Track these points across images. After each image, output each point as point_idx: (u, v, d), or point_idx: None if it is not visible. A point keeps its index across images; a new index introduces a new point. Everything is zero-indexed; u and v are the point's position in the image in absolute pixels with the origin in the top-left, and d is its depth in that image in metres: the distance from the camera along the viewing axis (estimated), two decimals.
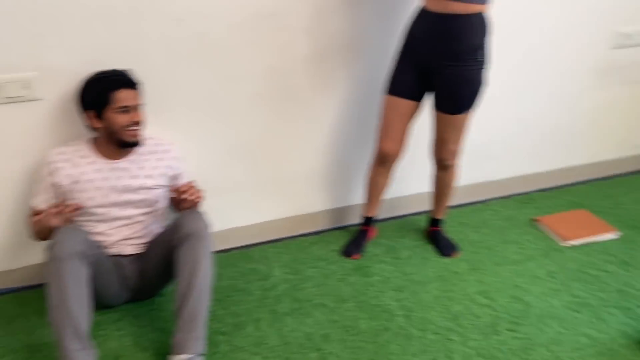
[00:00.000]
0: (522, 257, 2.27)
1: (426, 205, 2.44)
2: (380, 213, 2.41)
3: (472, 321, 1.92)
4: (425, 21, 1.85)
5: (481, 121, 2.59)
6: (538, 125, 2.69)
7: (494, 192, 2.76)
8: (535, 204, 2.68)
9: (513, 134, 2.67)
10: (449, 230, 2.46)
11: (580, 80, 2.65)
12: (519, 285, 2.10)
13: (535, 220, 2.52)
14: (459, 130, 1.98)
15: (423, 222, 2.47)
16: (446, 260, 2.25)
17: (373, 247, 2.30)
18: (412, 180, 2.52)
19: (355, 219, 2.43)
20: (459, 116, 1.94)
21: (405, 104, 1.97)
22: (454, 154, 2.05)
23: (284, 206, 2.36)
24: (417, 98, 1.98)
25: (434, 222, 2.34)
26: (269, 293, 2.02)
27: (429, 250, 2.29)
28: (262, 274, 2.12)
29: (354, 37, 2.12)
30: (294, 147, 2.25)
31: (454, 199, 2.71)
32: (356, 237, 2.29)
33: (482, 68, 1.87)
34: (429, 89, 1.96)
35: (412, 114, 2.01)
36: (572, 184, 2.86)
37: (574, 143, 2.80)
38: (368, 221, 2.28)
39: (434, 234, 2.34)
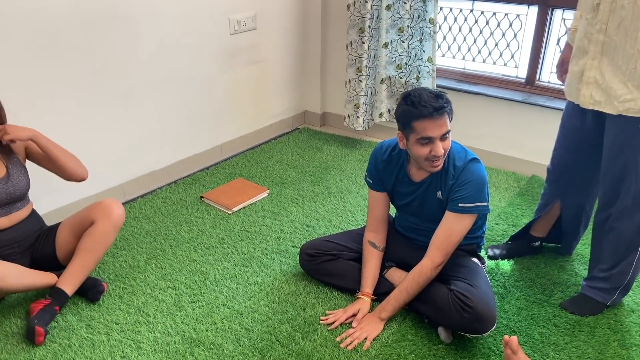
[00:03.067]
0: (195, 234, 2.44)
1: None
2: None
3: (157, 307, 1.99)
4: None
5: (130, 117, 2.63)
6: (185, 111, 2.89)
7: (161, 180, 2.86)
8: (200, 182, 2.90)
9: (164, 123, 2.80)
10: (123, 228, 2.45)
11: (212, 64, 2.94)
12: (195, 259, 2.26)
13: (202, 198, 2.73)
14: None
15: None
16: (125, 255, 2.25)
17: None
18: None
19: None
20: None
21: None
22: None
23: None
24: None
25: None
26: None
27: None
28: None
29: None
30: None
31: (124, 197, 2.70)
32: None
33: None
34: None
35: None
36: (227, 158, 3.19)
37: (221, 121, 3.11)
38: None
39: None
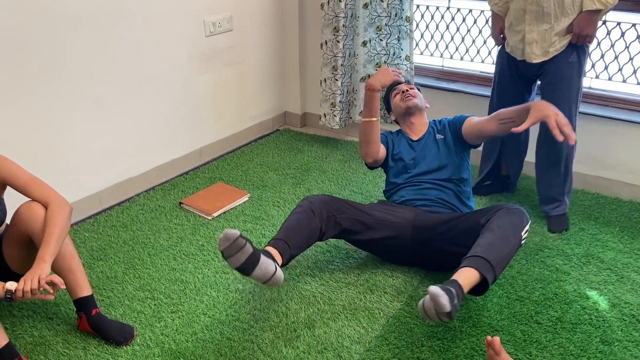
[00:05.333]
0: (174, 241, 2.40)
1: None
2: None
3: (136, 318, 1.95)
4: None
5: (104, 122, 2.58)
6: (161, 115, 2.84)
7: (138, 187, 2.81)
8: (178, 188, 2.85)
9: (140, 129, 2.75)
10: (99, 237, 2.40)
11: (188, 68, 2.89)
12: (175, 268, 2.22)
13: (181, 204, 2.69)
14: None
15: None
16: (102, 265, 2.20)
17: None
18: None
19: None
20: None
21: None
22: None
23: None
24: None
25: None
26: None
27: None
28: None
29: None
30: None
31: (99, 205, 2.65)
32: None
33: None
34: None
35: None
36: (207, 162, 3.14)
37: (199, 125, 3.07)
38: None
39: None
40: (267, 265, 1.69)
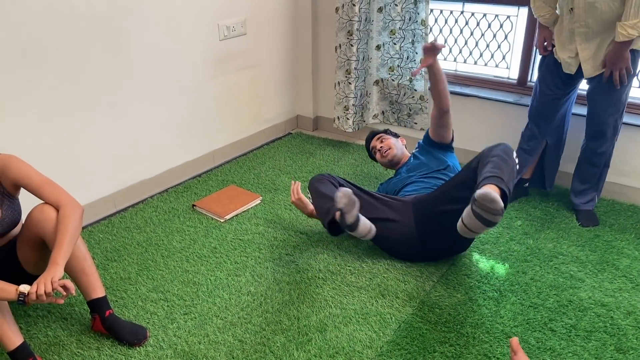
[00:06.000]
0: (187, 243, 2.41)
1: None
2: None
3: (149, 319, 1.96)
4: None
5: (120, 125, 2.60)
6: (175, 118, 2.86)
7: (152, 189, 2.83)
8: (192, 190, 2.87)
9: (155, 131, 2.78)
10: (113, 239, 2.43)
11: (201, 71, 2.91)
12: (188, 270, 2.23)
13: (194, 206, 2.70)
14: None
15: None
16: (116, 267, 2.22)
17: None
18: None
19: None
20: None
21: None
22: None
23: None
24: None
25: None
26: None
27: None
28: None
29: None
30: None
31: (113, 207, 2.67)
32: None
33: None
34: None
35: None
36: (219, 165, 3.16)
37: (212, 128, 3.09)
38: None
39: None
40: (364, 224, 1.99)
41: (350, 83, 3.18)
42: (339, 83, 3.24)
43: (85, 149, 2.49)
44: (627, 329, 1.88)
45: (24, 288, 1.58)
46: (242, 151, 3.32)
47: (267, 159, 3.24)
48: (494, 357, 1.77)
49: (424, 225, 2.12)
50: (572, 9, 2.25)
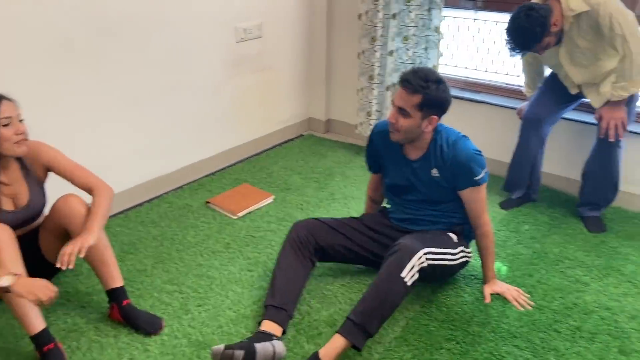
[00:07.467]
0: (201, 238, 2.48)
1: None
2: None
3: (164, 310, 2.02)
4: None
5: (139, 123, 2.68)
6: (192, 117, 2.93)
7: (167, 185, 2.90)
8: (205, 188, 2.94)
9: (173, 129, 2.85)
10: (130, 232, 2.50)
11: (218, 72, 2.99)
12: (202, 264, 2.30)
13: (208, 203, 2.77)
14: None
15: None
16: (132, 259, 2.29)
17: None
18: None
19: None
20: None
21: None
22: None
23: None
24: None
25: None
26: None
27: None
28: None
29: None
30: None
31: (129, 202, 2.74)
32: None
33: None
34: None
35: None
36: (233, 164, 3.23)
37: (227, 128, 3.16)
38: None
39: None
40: (264, 352, 1.71)
41: (373, 89, 3.23)
42: (362, 89, 3.29)
43: (105, 145, 2.56)
44: (631, 332, 1.92)
45: (6, 281, 1.55)
46: (255, 151, 3.38)
47: (279, 159, 3.30)
48: (499, 355, 1.82)
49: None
50: (556, 64, 2.44)
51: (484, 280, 2.13)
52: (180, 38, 2.73)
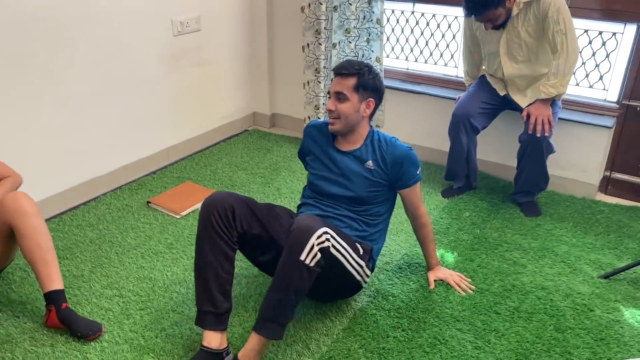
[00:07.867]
0: (142, 240, 2.40)
1: None
2: None
3: (104, 315, 1.95)
4: None
5: (71, 122, 2.56)
6: (129, 114, 2.83)
7: (105, 186, 2.79)
8: (146, 187, 2.85)
9: (108, 128, 2.74)
10: (65, 237, 2.38)
11: (155, 67, 2.89)
12: (143, 266, 2.22)
13: (149, 203, 2.68)
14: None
15: None
16: (68, 264, 2.19)
17: None
18: None
19: None
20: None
21: None
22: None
23: None
24: None
25: None
26: None
27: None
28: None
29: None
30: None
31: (64, 205, 2.62)
32: None
33: None
34: None
35: None
36: (175, 162, 3.14)
37: (167, 125, 3.07)
38: None
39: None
40: None
41: (319, 82, 3.22)
42: (308, 82, 3.27)
43: (35, 147, 2.43)
44: (565, 310, 2.01)
45: None
46: (198, 148, 3.31)
47: (223, 156, 3.24)
48: (443, 339, 1.86)
49: None
50: (496, 69, 2.60)
51: (428, 267, 2.17)
52: (111, 32, 2.61)
